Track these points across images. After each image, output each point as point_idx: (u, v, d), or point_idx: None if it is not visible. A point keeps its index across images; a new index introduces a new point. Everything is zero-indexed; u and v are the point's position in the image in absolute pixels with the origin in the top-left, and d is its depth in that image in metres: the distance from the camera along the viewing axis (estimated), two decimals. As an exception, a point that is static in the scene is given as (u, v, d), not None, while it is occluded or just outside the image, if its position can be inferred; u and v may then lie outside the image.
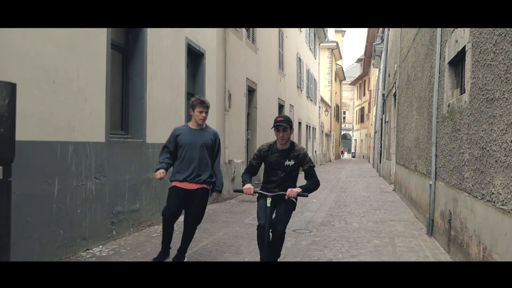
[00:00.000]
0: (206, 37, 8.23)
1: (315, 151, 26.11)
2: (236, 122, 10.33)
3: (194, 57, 7.95)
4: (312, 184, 3.75)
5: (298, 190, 3.60)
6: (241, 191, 3.69)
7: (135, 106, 5.83)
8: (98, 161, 4.77)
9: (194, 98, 4.28)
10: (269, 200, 3.60)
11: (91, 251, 4.58)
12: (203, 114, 4.18)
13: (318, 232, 6.02)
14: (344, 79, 45.76)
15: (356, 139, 53.16)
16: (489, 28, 3.39)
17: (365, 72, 39.93)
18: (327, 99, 33.06)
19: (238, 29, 10.40)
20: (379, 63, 20.39)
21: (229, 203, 8.72)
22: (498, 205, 3.10)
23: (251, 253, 4.72)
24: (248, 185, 3.67)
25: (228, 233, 5.79)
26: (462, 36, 4.34)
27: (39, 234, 3.93)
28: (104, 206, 4.91)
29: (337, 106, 42.47)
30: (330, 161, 35.43)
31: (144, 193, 5.82)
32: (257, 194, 3.72)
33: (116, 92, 5.54)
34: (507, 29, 2.96)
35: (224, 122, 9.45)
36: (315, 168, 3.83)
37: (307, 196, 3.71)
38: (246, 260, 4.47)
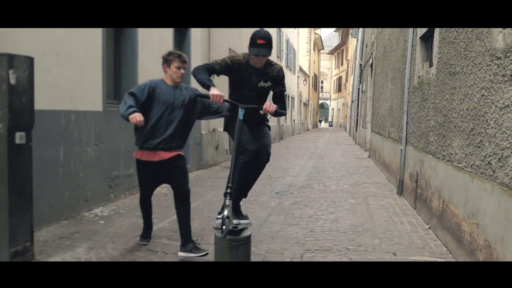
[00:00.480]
0: (190, 9, 8.44)
1: (294, 120, 26.65)
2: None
3: (181, 28, 8.19)
4: (282, 108, 3.31)
5: (275, 107, 3.16)
6: (207, 97, 3.12)
7: (127, 77, 6.12)
8: (96, 129, 5.11)
9: (169, 52, 3.59)
10: (241, 113, 3.05)
11: (93, 211, 4.99)
12: (182, 71, 3.50)
13: (299, 193, 6.55)
14: (323, 48, 46.03)
15: (333, 108, 53.95)
16: (454, 9, 3.84)
17: (343, 42, 40.23)
18: (305, 68, 33.42)
19: None
20: (357, 33, 20.74)
21: (214, 170, 9.17)
22: (455, 164, 3.64)
23: (240, 212, 5.22)
24: (216, 90, 3.10)
25: (217, 195, 6.26)
26: (431, 14, 4.78)
27: (48, 196, 4.30)
28: (103, 170, 5.28)
29: (315, 75, 42.88)
30: (308, 130, 36.15)
31: (138, 159, 6.19)
32: (226, 104, 3.29)
33: (110, 63, 5.82)
34: (467, 11, 3.40)
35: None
36: None
37: (285, 114, 3.38)
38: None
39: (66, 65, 4.53)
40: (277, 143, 17.99)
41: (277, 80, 3.32)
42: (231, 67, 3.27)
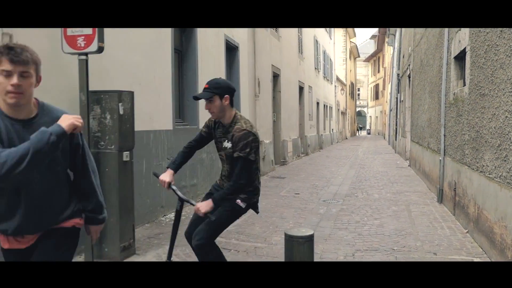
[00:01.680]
0: (239, 32, 9.28)
1: (332, 129, 27.11)
2: (264, 106, 11.43)
3: (230, 50, 9.01)
4: (228, 190, 2.79)
5: (207, 207, 2.74)
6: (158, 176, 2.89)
7: (190, 98, 6.95)
8: (168, 145, 5.93)
9: None
10: (178, 204, 2.85)
11: (167, 216, 5.80)
12: (15, 80, 1.74)
13: (344, 201, 7.14)
14: (358, 56, 46.17)
15: (371, 116, 53.72)
16: (482, 37, 4.39)
17: (379, 49, 40.26)
18: (342, 77, 33.80)
19: (264, 20, 11.38)
20: (393, 42, 21.02)
21: (262, 179, 9.87)
22: (487, 175, 4.17)
23: (293, 217, 5.89)
24: (166, 174, 2.86)
25: (270, 203, 6.95)
26: (463, 38, 5.32)
27: (135, 203, 5.12)
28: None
29: (351, 83, 43.07)
30: (346, 138, 36.38)
31: (199, 170, 7.01)
32: (171, 190, 2.87)
33: (176, 87, 6.67)
34: (494, 41, 3.96)
35: (255, 106, 10.56)
36: (257, 162, 2.87)
37: (213, 220, 2.72)
38: (291, 223, 5.62)
39: (147, 92, 5.39)
40: (317, 153, 18.56)
41: (233, 141, 2.75)
42: (208, 126, 2.99)
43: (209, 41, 7.52)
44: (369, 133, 51.60)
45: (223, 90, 2.78)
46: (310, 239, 3.47)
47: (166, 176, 2.85)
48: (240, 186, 2.80)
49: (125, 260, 3.94)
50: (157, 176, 2.92)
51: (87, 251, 3.67)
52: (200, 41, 7.06)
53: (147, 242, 4.60)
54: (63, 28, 3.66)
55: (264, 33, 11.58)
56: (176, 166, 2.97)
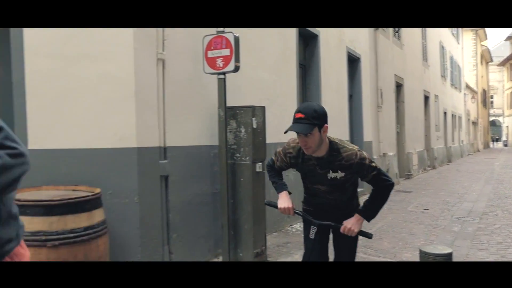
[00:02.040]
0: (360, 43, 9.17)
1: (462, 141, 24.99)
2: (387, 117, 11.06)
3: (352, 62, 8.95)
4: (381, 199, 2.53)
5: (358, 223, 2.46)
6: (275, 206, 2.63)
7: (313, 111, 7.07)
8: (293, 157, 6.10)
9: None
10: (313, 231, 2.50)
11: (293, 226, 5.94)
12: None
13: (481, 220, 6.52)
14: (491, 60, 41.97)
15: (507, 126, 48.20)
16: None
17: (518, 52, 36.11)
18: (472, 84, 31.04)
19: (385, 29, 11.08)
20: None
21: (385, 193, 9.51)
22: None
23: (424, 234, 5.57)
24: (284, 200, 2.60)
25: (397, 218, 6.68)
26: None
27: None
28: (299, 192, 6.22)
29: (483, 90, 39.24)
30: (478, 150, 33.17)
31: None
32: (296, 215, 2.63)
33: (300, 100, 6.84)
34: None
35: (378, 118, 10.29)
36: (380, 169, 2.49)
37: (371, 237, 2.55)
38: (422, 240, 5.32)
39: (274, 107, 5.63)
40: (445, 166, 17.26)
41: (353, 169, 2.41)
42: (287, 163, 2.66)
43: (331, 54, 7.58)
44: (505, 145, 46.24)
45: (323, 119, 2.31)
46: (448, 257, 3.26)
47: (286, 201, 2.59)
48: (389, 189, 2.53)
49: (257, 266, 4.15)
50: (272, 205, 2.70)
51: (224, 255, 3.95)
52: (322, 54, 7.16)
53: (277, 250, 4.77)
54: (204, 51, 4.06)
55: (386, 42, 11.26)
56: (287, 187, 2.71)
